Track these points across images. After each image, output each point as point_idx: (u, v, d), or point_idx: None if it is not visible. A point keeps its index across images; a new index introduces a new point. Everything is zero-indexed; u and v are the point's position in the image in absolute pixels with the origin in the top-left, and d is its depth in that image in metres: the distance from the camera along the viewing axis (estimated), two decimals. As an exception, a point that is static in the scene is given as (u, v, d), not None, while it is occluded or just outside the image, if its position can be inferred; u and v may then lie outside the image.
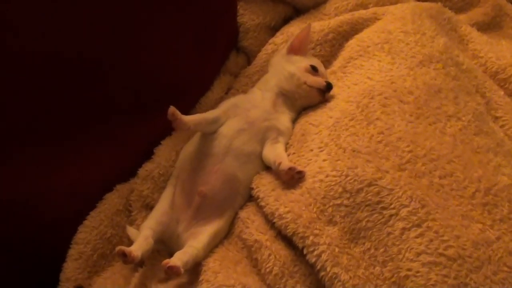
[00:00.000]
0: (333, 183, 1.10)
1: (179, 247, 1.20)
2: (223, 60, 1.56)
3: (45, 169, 1.19)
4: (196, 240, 1.18)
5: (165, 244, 1.25)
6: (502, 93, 1.40)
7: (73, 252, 1.26)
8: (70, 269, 1.25)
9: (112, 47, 1.24)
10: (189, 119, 1.21)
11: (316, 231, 1.05)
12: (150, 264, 1.23)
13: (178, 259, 1.09)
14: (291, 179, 1.17)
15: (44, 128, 1.17)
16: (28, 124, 1.14)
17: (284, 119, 1.32)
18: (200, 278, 1.12)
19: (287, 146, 1.28)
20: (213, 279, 1.09)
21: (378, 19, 1.53)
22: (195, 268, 1.15)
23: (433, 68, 1.31)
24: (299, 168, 1.15)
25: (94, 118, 1.25)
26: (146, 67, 1.32)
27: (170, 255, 1.22)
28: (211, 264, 1.14)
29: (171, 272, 1.07)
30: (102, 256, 1.28)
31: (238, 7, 1.59)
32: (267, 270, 1.08)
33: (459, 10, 1.74)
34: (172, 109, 1.16)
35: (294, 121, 1.35)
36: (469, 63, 1.42)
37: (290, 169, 1.15)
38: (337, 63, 1.47)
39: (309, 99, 1.35)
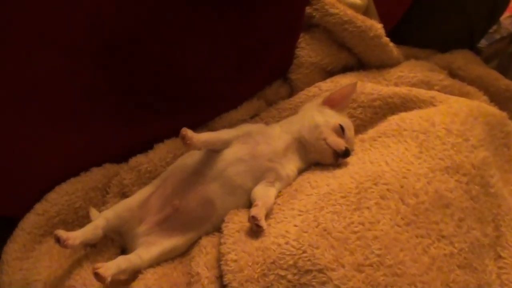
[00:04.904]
0: (288, 252, 1.03)
1: (132, 245, 1.21)
2: (262, 85, 1.51)
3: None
4: (146, 250, 1.17)
5: (121, 237, 1.24)
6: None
7: (39, 206, 1.28)
8: (30, 222, 1.26)
9: (164, 46, 1.25)
10: (200, 139, 1.19)
11: (246, 294, 1.00)
12: (99, 249, 1.23)
13: (116, 266, 1.09)
14: (251, 226, 1.12)
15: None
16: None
17: (289, 166, 1.27)
18: (131, 284, 1.12)
19: (279, 194, 1.23)
20: (140, 291, 1.08)
21: (434, 105, 1.41)
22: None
23: (455, 179, 1.19)
24: (261, 222, 1.09)
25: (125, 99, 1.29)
26: (186, 71, 1.32)
27: (122, 247, 1.26)
28: (149, 276, 1.14)
29: (97, 279, 1.06)
30: (62, 221, 1.29)
31: (301, 39, 1.52)
32: (193, 306, 1.05)
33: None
34: (184, 130, 1.15)
35: (301, 171, 1.29)
36: (501, 188, 1.27)
37: (253, 217, 1.10)
38: (370, 132, 1.38)
39: (321, 157, 1.28)
